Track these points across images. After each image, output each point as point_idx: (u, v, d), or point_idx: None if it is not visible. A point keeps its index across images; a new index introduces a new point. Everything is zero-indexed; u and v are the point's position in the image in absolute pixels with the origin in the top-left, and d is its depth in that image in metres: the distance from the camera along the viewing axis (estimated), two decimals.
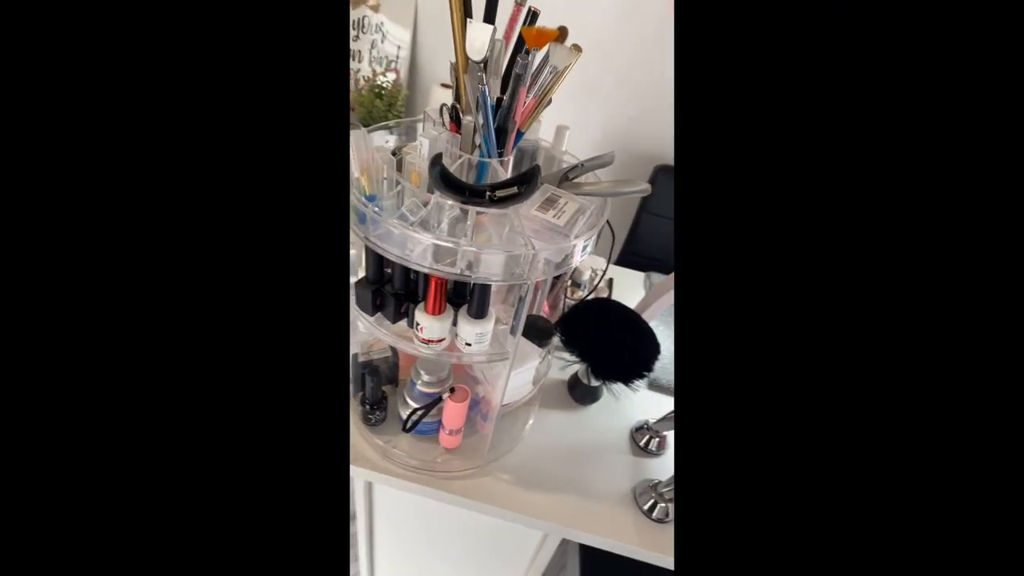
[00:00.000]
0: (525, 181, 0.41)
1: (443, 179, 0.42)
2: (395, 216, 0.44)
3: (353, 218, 0.45)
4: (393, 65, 1.54)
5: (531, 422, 0.75)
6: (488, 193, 0.41)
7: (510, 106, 0.44)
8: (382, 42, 1.52)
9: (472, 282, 0.48)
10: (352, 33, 1.52)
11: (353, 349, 0.66)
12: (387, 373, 0.68)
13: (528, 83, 0.44)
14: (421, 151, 0.42)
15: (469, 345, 0.53)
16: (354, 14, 1.49)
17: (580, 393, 0.81)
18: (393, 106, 1.43)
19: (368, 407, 0.66)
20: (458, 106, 0.45)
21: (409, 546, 0.90)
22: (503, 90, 0.45)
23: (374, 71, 1.55)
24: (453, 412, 0.63)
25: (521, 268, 0.46)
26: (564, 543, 0.82)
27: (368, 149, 0.42)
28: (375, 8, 1.47)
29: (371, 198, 0.44)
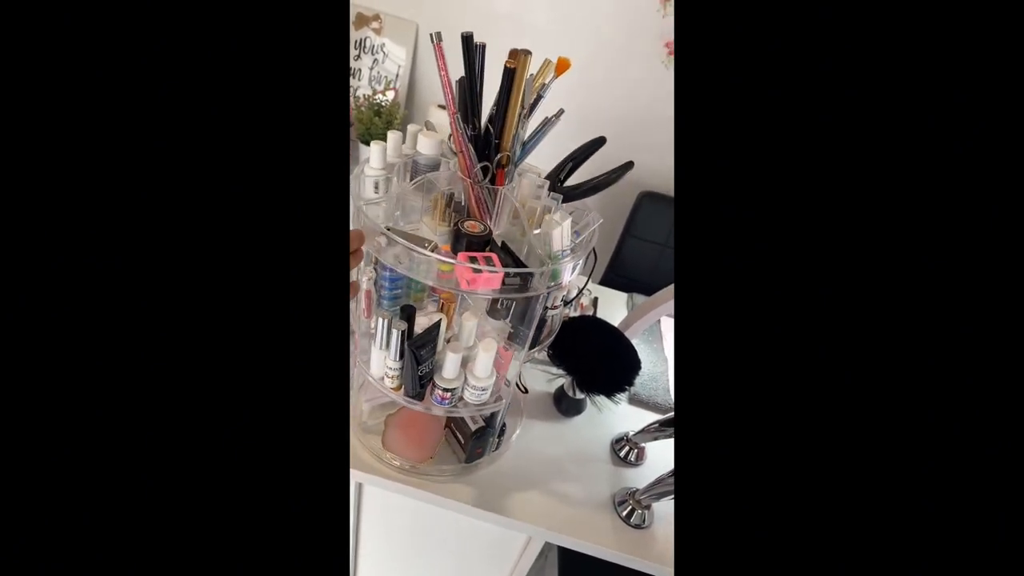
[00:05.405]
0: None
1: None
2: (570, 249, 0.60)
3: (542, 288, 0.55)
4: (392, 84, 1.60)
5: (518, 431, 0.80)
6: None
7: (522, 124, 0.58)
8: (382, 62, 1.58)
9: None
10: (353, 52, 1.57)
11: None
12: None
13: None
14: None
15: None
16: (357, 34, 1.55)
17: (565, 406, 0.86)
18: (391, 124, 1.49)
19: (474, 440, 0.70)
20: (501, 158, 0.58)
21: (393, 546, 0.92)
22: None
23: (374, 90, 1.60)
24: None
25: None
26: (546, 547, 0.87)
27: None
28: (378, 31, 1.53)
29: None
